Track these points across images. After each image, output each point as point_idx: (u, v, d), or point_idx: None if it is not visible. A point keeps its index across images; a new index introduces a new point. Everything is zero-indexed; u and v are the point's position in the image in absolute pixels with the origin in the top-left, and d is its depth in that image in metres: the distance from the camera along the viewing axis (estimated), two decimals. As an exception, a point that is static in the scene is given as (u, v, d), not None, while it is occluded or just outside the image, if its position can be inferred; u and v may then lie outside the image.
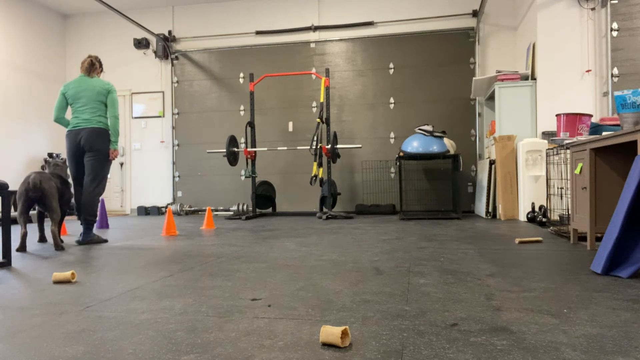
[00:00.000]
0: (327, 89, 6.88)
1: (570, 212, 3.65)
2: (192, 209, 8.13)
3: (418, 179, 7.56)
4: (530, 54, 6.29)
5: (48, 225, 3.86)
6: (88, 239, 4.09)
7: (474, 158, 7.45)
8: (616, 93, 2.90)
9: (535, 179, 5.58)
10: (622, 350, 1.32)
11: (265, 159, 8.07)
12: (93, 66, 4.28)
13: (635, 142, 3.07)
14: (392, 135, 7.68)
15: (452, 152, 6.33)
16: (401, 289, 2.13)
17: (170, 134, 8.42)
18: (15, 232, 5.30)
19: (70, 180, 4.81)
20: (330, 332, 1.39)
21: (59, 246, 3.72)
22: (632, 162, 3.11)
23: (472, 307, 1.80)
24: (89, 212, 4.11)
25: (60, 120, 4.18)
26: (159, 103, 8.45)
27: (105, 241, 4.19)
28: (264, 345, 1.42)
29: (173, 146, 8.40)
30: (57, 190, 3.81)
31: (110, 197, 8.69)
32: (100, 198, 5.73)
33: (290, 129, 8.00)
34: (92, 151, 4.12)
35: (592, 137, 3.08)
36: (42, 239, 4.27)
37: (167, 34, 8.40)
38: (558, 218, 5.08)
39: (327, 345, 1.41)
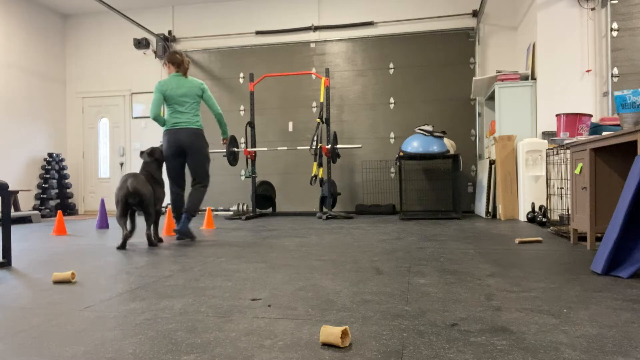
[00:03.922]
0: (327, 89, 6.88)
1: (570, 212, 3.65)
2: (192, 209, 8.13)
3: (418, 179, 7.56)
4: (530, 54, 6.29)
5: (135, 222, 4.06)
6: (185, 230, 4.15)
7: (474, 158, 7.45)
8: (616, 93, 2.90)
9: (535, 179, 5.58)
10: (622, 350, 1.32)
11: (265, 159, 8.07)
12: (189, 66, 4.45)
13: (635, 142, 3.07)
14: (392, 135, 7.68)
15: (452, 152, 6.33)
16: (401, 289, 2.13)
17: (170, 134, 8.41)
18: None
19: (163, 177, 4.93)
20: (330, 332, 1.39)
21: (153, 245, 3.85)
22: (632, 162, 3.11)
23: (472, 307, 1.80)
24: (195, 208, 4.27)
25: (157, 118, 4.24)
26: (159, 103, 8.44)
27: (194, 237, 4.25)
28: (264, 345, 1.42)
29: (173, 146, 8.39)
30: (152, 194, 3.86)
31: (111, 197, 8.69)
32: (102, 198, 5.75)
33: (290, 129, 8.00)
34: (194, 153, 4.26)
35: (592, 137, 3.08)
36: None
37: (167, 34, 8.40)
38: (558, 218, 5.08)
39: (327, 345, 1.41)
